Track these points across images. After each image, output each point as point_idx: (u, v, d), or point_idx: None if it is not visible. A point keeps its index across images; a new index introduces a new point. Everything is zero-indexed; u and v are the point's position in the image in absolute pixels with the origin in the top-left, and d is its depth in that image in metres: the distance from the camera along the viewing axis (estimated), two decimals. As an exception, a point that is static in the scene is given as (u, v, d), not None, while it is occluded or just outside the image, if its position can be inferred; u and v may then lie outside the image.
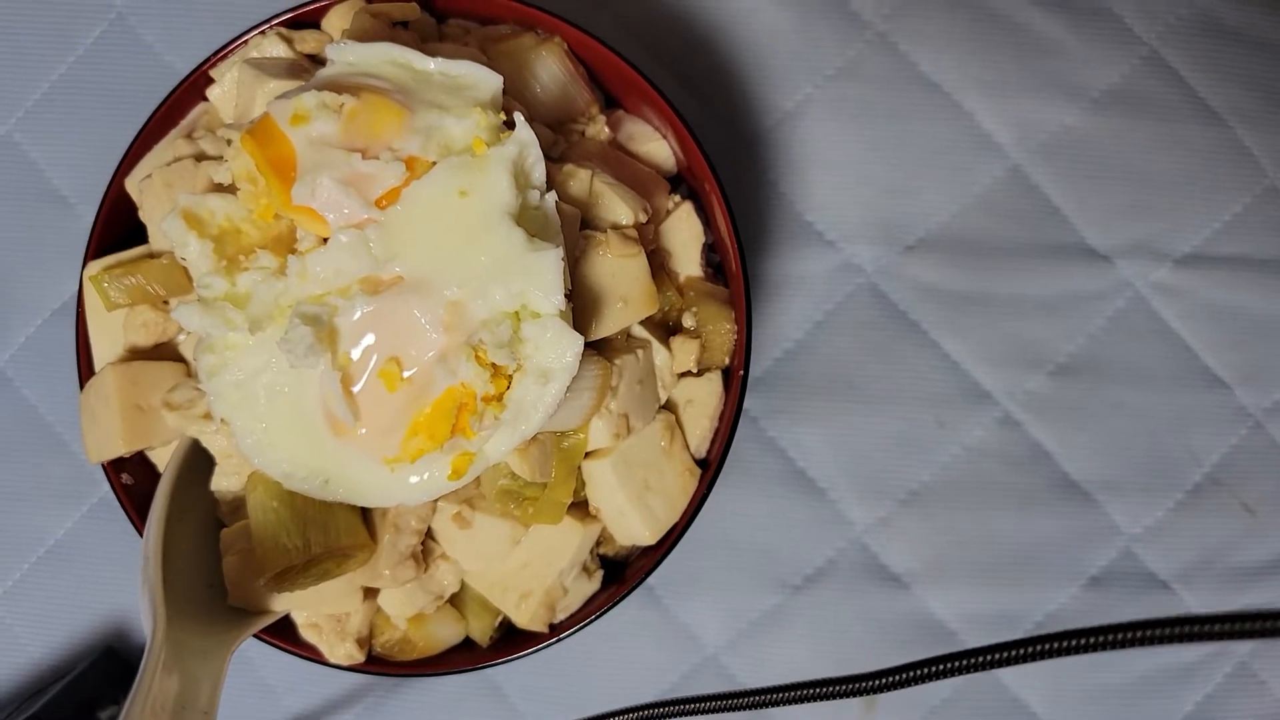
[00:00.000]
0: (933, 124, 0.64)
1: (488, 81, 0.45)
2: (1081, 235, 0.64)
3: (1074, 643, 0.63)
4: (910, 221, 0.64)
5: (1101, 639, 0.63)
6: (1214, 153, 0.63)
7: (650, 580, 0.64)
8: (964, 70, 0.63)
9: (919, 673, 0.63)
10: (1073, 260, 0.64)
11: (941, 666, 0.63)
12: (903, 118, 0.64)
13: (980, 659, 0.63)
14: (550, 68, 0.50)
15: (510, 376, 0.43)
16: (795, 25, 0.64)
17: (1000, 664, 0.63)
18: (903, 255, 0.64)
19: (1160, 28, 0.63)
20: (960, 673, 0.63)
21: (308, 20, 0.52)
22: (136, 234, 0.53)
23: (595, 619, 0.51)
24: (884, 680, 0.63)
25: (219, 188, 0.47)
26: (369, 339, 0.42)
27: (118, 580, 0.67)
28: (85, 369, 0.53)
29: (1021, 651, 0.63)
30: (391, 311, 0.42)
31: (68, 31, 0.67)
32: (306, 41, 0.50)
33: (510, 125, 0.44)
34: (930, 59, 0.64)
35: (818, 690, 0.61)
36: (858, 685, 0.62)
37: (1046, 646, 0.63)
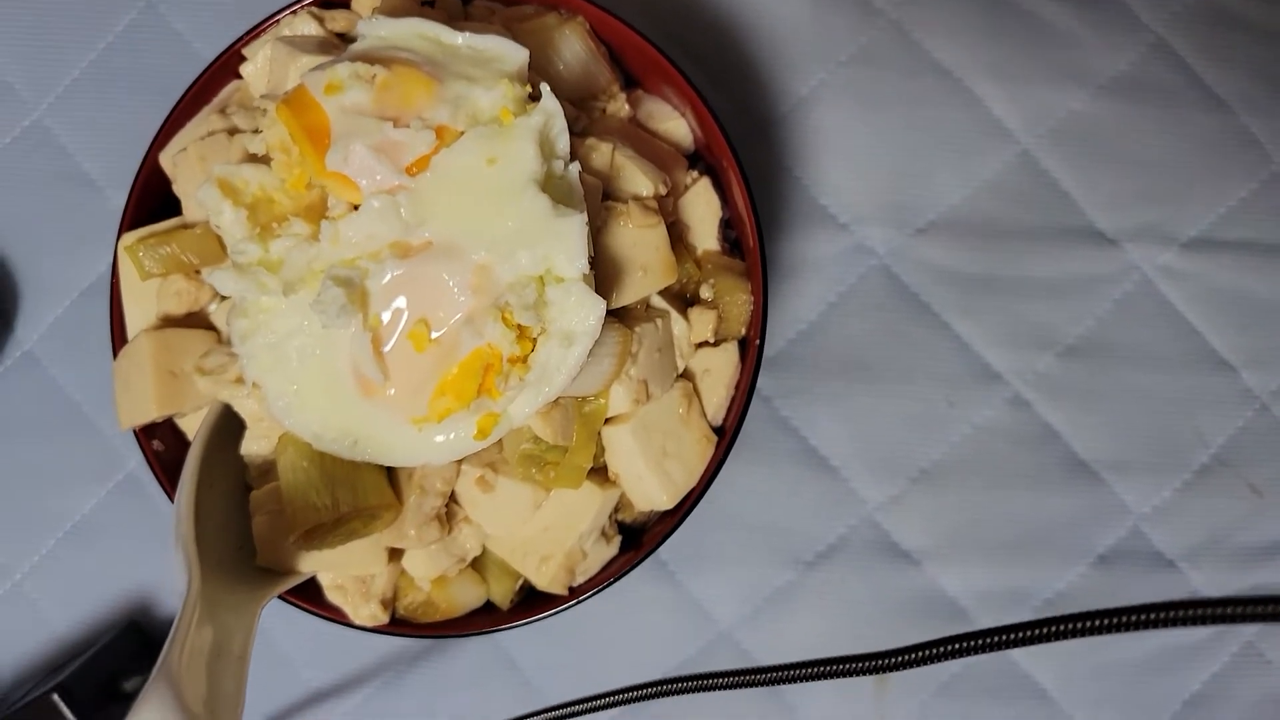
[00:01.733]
0: (944, 109, 0.65)
1: (514, 55, 0.46)
2: (1090, 219, 0.65)
3: (1084, 624, 0.64)
4: (922, 205, 0.65)
5: (1111, 621, 0.64)
6: (1220, 138, 0.64)
7: (664, 556, 0.65)
8: (975, 57, 0.65)
9: (931, 652, 0.64)
10: (1081, 243, 0.65)
11: (954, 646, 0.64)
12: (915, 103, 0.65)
13: (992, 639, 0.64)
14: (573, 46, 0.51)
15: (535, 339, 0.44)
16: (809, 12, 0.65)
17: (1012, 644, 0.64)
18: (914, 238, 0.65)
19: (1167, 15, 0.65)
20: (972, 653, 0.64)
21: (338, 1, 0.54)
22: (167, 211, 0.55)
23: (613, 582, 0.52)
24: (896, 659, 0.64)
25: (253, 158, 0.48)
26: (399, 301, 0.43)
27: (142, 556, 0.68)
28: (119, 338, 0.54)
29: (1032, 633, 0.64)
30: (421, 274, 0.43)
31: (98, 18, 0.69)
32: (337, 20, 0.52)
33: (535, 98, 0.46)
34: (942, 46, 0.65)
35: (831, 668, 0.62)
36: (870, 664, 0.63)
37: (1057, 628, 0.64)
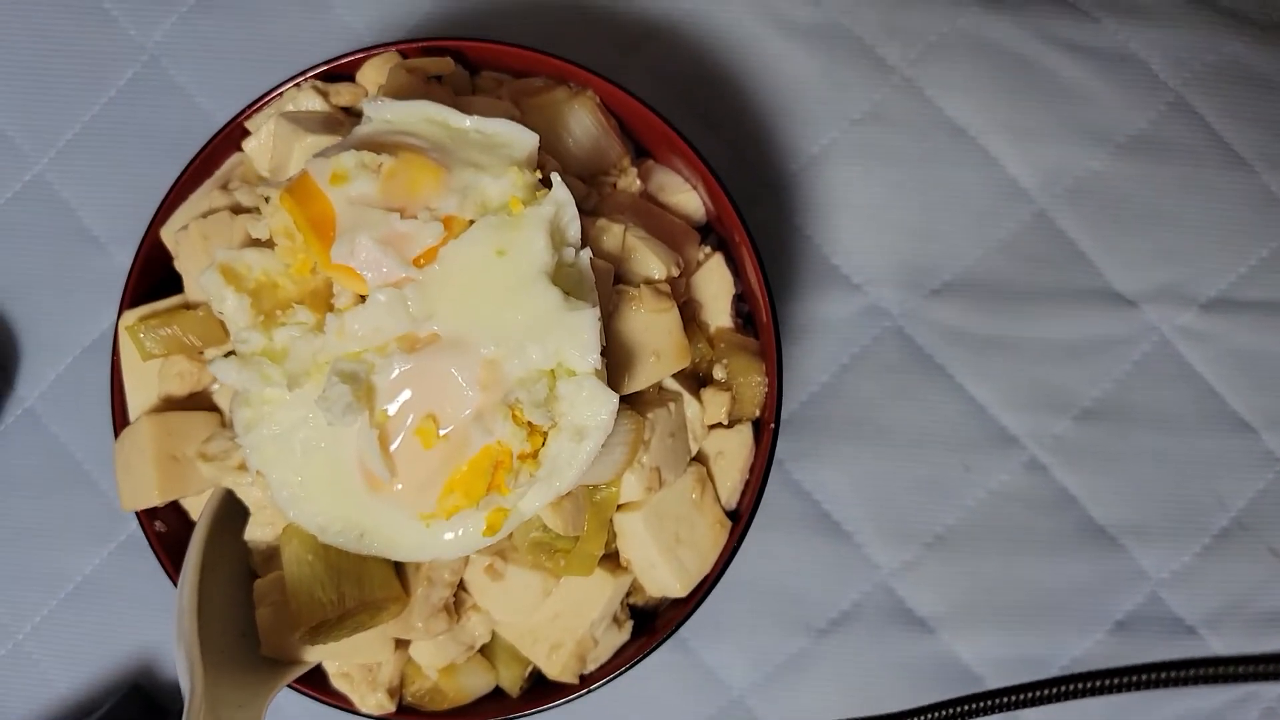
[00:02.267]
0: (959, 168, 0.64)
1: (523, 140, 0.45)
2: (1107, 280, 0.64)
3: (1099, 684, 0.63)
4: (936, 265, 0.64)
5: (1126, 680, 0.63)
6: (1240, 198, 0.63)
7: (675, 623, 0.64)
8: (990, 115, 0.64)
9: (947, 712, 0.63)
10: (1098, 304, 0.64)
11: (967, 707, 0.63)
12: (928, 162, 0.64)
13: (1006, 699, 0.63)
14: (583, 121, 0.50)
15: (545, 434, 0.43)
16: (821, 70, 0.64)
17: (1026, 704, 0.63)
18: (928, 299, 0.64)
19: (1186, 74, 0.63)
20: (987, 713, 0.63)
21: (342, 73, 0.53)
22: (171, 280, 0.54)
23: (626, 670, 0.51)
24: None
25: (256, 242, 0.47)
26: (406, 396, 0.42)
27: (145, 618, 0.67)
28: (120, 418, 0.53)
29: (1047, 692, 0.63)
30: (428, 369, 0.42)
31: (100, 73, 0.68)
32: (341, 95, 0.51)
33: (545, 183, 0.45)
34: (956, 104, 0.64)
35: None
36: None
37: (1072, 687, 0.63)
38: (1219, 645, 0.64)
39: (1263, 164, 0.63)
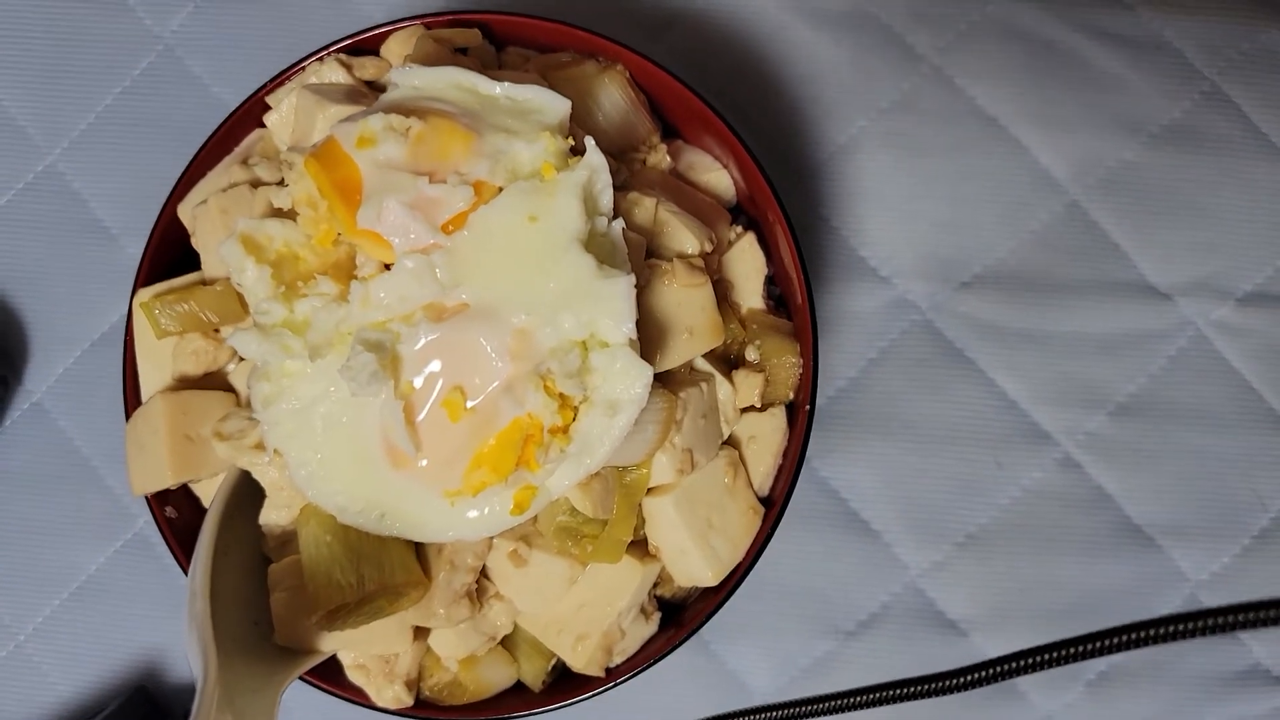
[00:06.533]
0: (989, 159, 0.63)
1: (555, 106, 0.44)
2: (1141, 273, 0.62)
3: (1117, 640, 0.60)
4: (966, 258, 0.63)
5: (1141, 634, 0.60)
6: (1277, 189, 0.62)
7: (698, 625, 0.62)
8: (1021, 104, 0.63)
9: (950, 683, 0.61)
10: (1133, 298, 0.62)
11: (963, 679, 0.60)
12: (958, 152, 0.63)
13: (1003, 667, 0.60)
14: (612, 95, 0.49)
15: (577, 408, 0.41)
16: (849, 58, 0.63)
17: (1024, 670, 0.60)
18: (958, 292, 0.63)
19: (1221, 62, 0.62)
20: (987, 681, 0.60)
21: (366, 47, 0.51)
22: (184, 265, 0.52)
23: (654, 663, 0.49)
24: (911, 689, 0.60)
25: (278, 212, 0.46)
26: (433, 367, 0.41)
27: (151, 618, 0.66)
28: (132, 398, 0.51)
29: (1045, 658, 0.60)
30: (457, 339, 0.41)
31: (115, 62, 0.67)
32: (366, 68, 0.50)
33: (576, 151, 0.43)
34: (986, 93, 0.63)
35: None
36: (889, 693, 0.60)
37: (1069, 651, 0.60)
38: (1260, 651, 0.62)
39: (1300, 154, 0.62)
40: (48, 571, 0.66)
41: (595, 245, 0.42)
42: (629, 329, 0.41)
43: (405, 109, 0.42)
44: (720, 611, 0.61)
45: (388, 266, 0.42)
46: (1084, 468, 0.62)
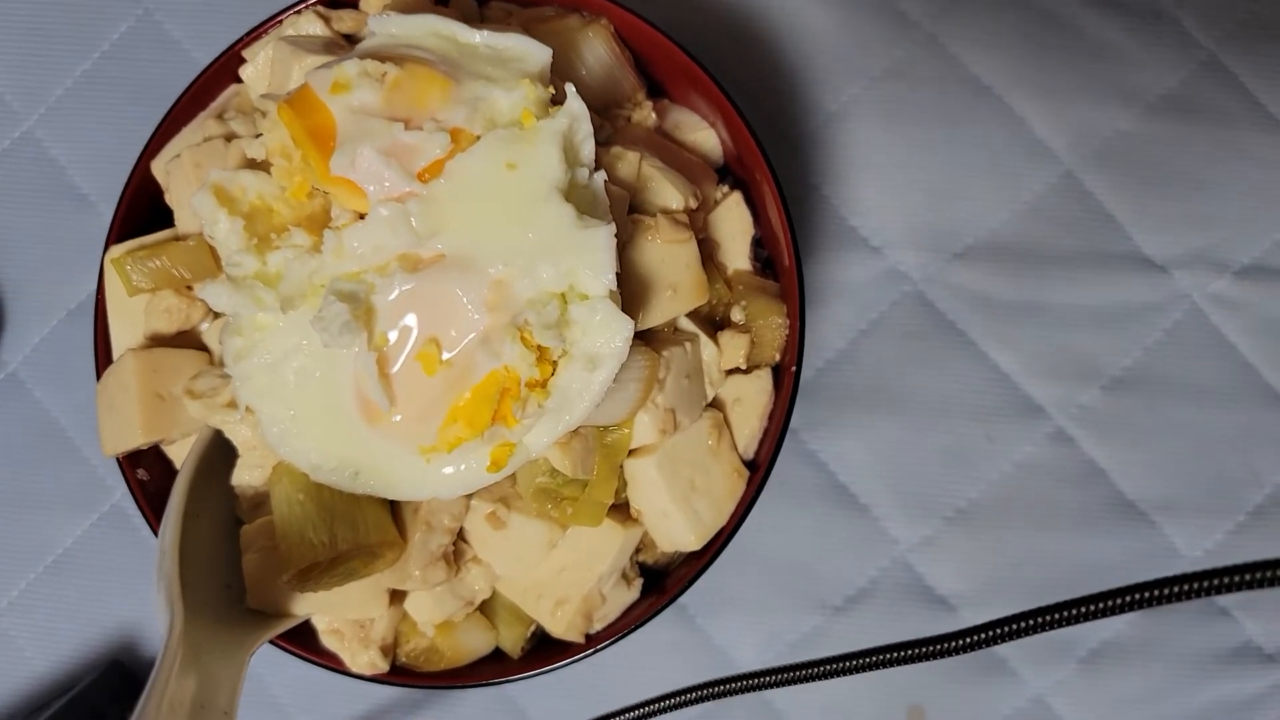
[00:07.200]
0: (983, 128, 0.62)
1: (536, 54, 0.43)
2: (1137, 244, 0.61)
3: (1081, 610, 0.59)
4: (958, 228, 0.62)
5: (1129, 599, 0.59)
6: (1275, 161, 0.61)
7: (683, 599, 0.61)
8: (1016, 73, 0.61)
9: (926, 649, 0.59)
10: (1128, 270, 0.61)
11: (945, 644, 0.59)
12: (952, 121, 0.62)
13: (991, 633, 0.59)
14: (596, 50, 0.48)
15: (555, 362, 0.40)
16: (841, 24, 0.62)
17: (1005, 638, 0.59)
18: (950, 263, 0.62)
19: (1219, 32, 0.61)
20: (962, 650, 0.59)
21: (344, 3, 0.50)
22: (158, 224, 0.51)
23: (634, 629, 0.48)
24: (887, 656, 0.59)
25: (251, 164, 0.45)
26: (408, 319, 0.40)
27: (126, 592, 0.65)
28: (103, 358, 0.50)
29: (1026, 624, 0.59)
30: (432, 290, 0.40)
31: (92, 26, 0.66)
32: (344, 20, 0.49)
33: (557, 102, 0.42)
34: (981, 61, 0.62)
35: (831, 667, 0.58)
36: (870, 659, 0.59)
37: (1052, 617, 0.59)
38: (1254, 628, 0.61)
39: (1298, 126, 0.61)
40: (23, 545, 0.65)
41: (576, 196, 0.41)
42: (609, 280, 0.40)
43: (382, 56, 0.41)
44: (706, 586, 0.61)
45: (362, 216, 0.41)
46: (1077, 442, 0.61)
